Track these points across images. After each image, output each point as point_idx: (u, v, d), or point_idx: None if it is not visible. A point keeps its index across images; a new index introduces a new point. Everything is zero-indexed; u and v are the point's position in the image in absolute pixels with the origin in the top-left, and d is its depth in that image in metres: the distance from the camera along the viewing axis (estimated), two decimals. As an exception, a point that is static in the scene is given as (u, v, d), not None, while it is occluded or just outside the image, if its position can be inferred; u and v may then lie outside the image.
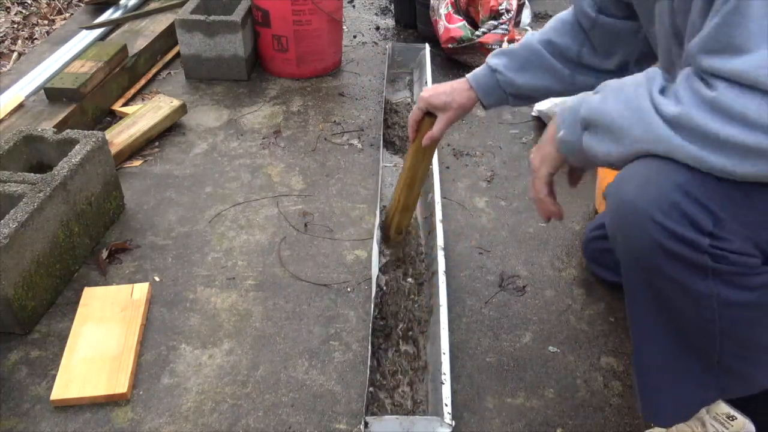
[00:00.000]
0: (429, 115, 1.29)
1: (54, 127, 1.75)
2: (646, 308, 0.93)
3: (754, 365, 0.92)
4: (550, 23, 1.26)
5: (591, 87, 0.98)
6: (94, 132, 1.53)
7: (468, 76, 1.28)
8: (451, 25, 2.32)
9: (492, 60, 1.25)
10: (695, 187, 0.81)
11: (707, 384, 0.93)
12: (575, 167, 1.04)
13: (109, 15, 2.48)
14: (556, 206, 1.02)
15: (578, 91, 1.09)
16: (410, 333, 1.32)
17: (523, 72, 1.23)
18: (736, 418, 0.96)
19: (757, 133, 0.73)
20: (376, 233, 1.49)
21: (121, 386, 1.18)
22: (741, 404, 0.97)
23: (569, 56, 1.23)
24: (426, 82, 2.06)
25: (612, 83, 0.89)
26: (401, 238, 1.51)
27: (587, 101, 0.89)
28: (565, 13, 1.26)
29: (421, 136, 1.30)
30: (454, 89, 1.27)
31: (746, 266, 0.83)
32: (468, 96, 1.27)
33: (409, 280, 1.45)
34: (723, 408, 0.97)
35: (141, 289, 1.38)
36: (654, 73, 0.86)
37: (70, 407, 1.17)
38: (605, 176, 1.55)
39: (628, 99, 0.84)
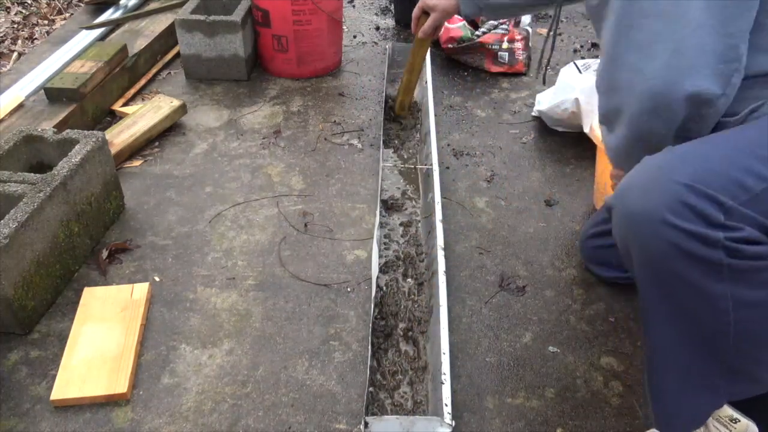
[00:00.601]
0: (425, 13, 1.70)
1: (54, 127, 1.75)
2: (664, 319, 0.92)
3: (765, 365, 0.91)
4: None
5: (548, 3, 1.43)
6: (94, 132, 1.53)
7: None
8: (451, 25, 2.32)
9: None
10: (698, 180, 0.81)
11: (721, 388, 0.92)
12: None
13: (109, 15, 2.48)
14: None
15: (538, 8, 1.57)
16: (410, 333, 1.32)
17: None
18: (740, 421, 0.95)
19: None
20: (376, 233, 1.49)
21: (121, 386, 1.18)
22: (744, 406, 0.97)
23: None
24: (426, 82, 2.06)
25: None
26: (405, 113, 2.00)
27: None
28: None
29: (418, 30, 1.73)
30: None
31: (759, 257, 0.82)
32: (450, 3, 1.61)
33: (409, 280, 1.45)
34: (726, 410, 0.96)
35: (141, 289, 1.38)
36: None
37: (70, 407, 1.17)
38: (603, 174, 1.55)
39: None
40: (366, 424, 1.06)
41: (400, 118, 2.02)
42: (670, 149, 0.90)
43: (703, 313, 0.87)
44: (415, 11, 1.73)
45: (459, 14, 1.62)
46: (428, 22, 1.69)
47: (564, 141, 1.95)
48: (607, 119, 1.05)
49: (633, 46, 0.92)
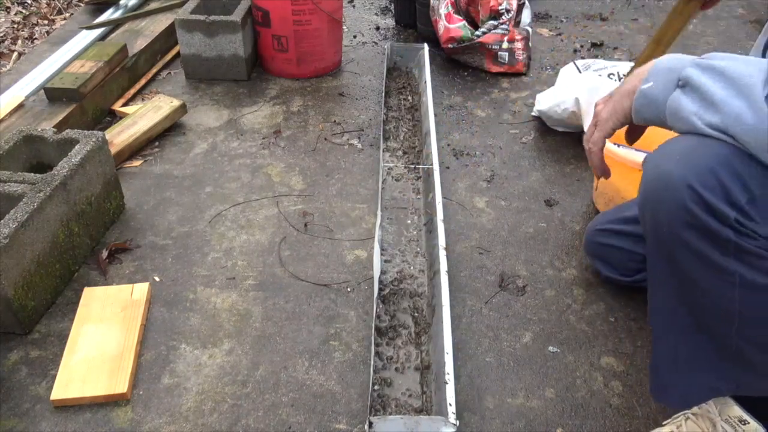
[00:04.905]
0: None
1: (54, 127, 1.74)
2: (666, 282, 0.91)
3: None
4: None
5: None
6: (94, 132, 1.53)
7: None
8: (451, 25, 2.32)
9: None
10: (737, 161, 0.80)
11: (722, 372, 0.91)
12: (637, 126, 0.99)
13: (109, 15, 2.48)
14: (605, 164, 1.01)
15: None
16: (412, 333, 1.31)
17: None
18: (749, 423, 0.93)
19: None
20: (377, 233, 1.49)
21: (121, 386, 1.18)
22: (757, 409, 0.95)
23: None
24: (425, 82, 2.06)
25: (725, 60, 0.84)
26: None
27: (695, 67, 0.85)
28: None
29: None
30: None
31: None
32: None
33: (411, 280, 1.45)
34: (736, 411, 0.94)
35: (141, 289, 1.38)
36: None
37: (70, 407, 1.17)
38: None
39: (740, 83, 0.80)
40: (370, 424, 1.06)
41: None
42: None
43: (706, 285, 0.85)
44: None
45: None
46: None
47: (564, 141, 1.95)
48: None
49: None
